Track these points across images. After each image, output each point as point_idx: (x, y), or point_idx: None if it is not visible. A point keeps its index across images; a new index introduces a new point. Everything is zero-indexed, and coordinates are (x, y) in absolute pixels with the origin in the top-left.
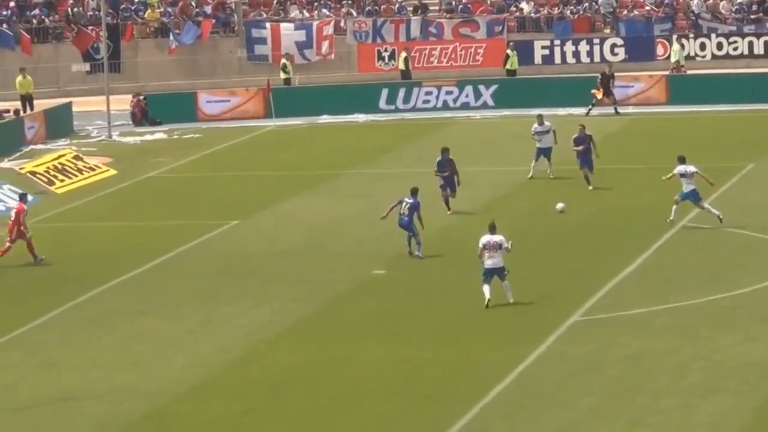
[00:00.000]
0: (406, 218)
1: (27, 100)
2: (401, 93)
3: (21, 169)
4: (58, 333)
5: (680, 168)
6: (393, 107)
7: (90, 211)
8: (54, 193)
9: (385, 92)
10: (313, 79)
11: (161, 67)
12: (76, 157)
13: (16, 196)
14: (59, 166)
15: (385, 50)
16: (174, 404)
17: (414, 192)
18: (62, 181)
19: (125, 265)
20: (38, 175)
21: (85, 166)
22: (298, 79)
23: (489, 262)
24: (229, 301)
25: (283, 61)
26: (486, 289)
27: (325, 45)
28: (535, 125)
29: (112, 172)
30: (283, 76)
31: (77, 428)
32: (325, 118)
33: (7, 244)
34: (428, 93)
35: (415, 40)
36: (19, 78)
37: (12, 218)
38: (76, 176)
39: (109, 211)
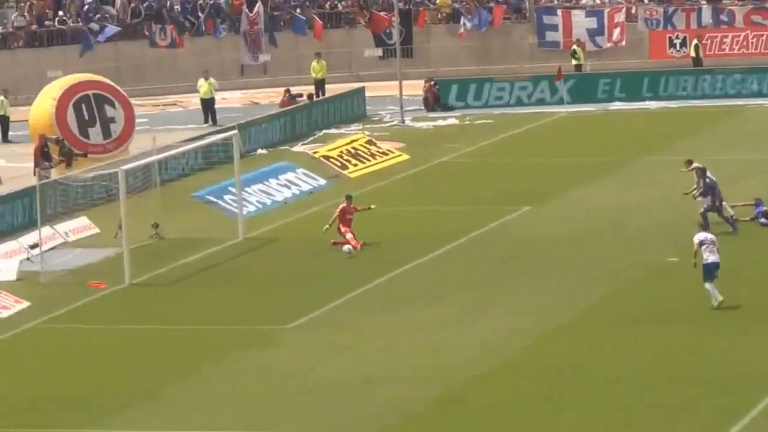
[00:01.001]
0: None
1: (320, 84)
2: (691, 80)
3: (314, 153)
4: (354, 316)
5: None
6: (684, 94)
7: (383, 195)
8: (347, 177)
9: (676, 79)
10: (605, 65)
11: (453, 53)
12: (369, 142)
13: (311, 180)
14: (352, 151)
15: (677, 37)
16: (468, 388)
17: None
18: (355, 165)
19: (419, 250)
20: (331, 160)
21: (378, 151)
22: (589, 66)
23: (712, 258)
24: (522, 286)
25: (574, 47)
26: (711, 288)
27: (617, 32)
28: None
29: (405, 157)
30: (573, 62)
31: (374, 411)
32: (617, 105)
33: (348, 235)
34: (718, 80)
35: (706, 27)
36: (314, 63)
37: (336, 213)
38: (369, 161)
39: (402, 195)
